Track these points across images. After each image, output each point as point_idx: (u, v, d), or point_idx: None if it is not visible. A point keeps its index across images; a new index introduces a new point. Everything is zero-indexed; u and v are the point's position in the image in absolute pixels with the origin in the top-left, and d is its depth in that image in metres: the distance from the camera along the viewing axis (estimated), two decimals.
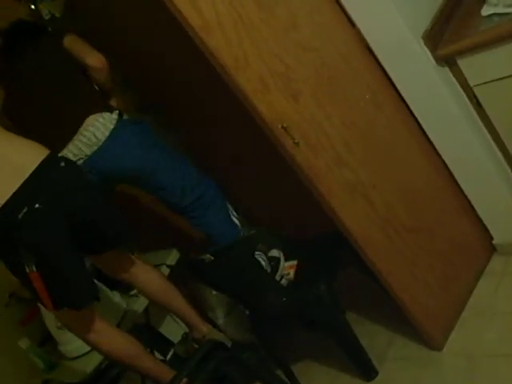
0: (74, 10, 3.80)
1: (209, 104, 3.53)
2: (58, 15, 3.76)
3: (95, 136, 3.28)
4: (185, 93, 3.68)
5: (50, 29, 3.72)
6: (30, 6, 3.75)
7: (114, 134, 3.31)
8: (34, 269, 2.75)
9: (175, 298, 3.22)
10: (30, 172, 2.72)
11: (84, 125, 3.29)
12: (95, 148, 3.28)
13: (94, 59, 3.41)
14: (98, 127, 3.30)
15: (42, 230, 2.73)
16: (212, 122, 3.76)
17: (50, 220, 2.73)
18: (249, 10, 2.79)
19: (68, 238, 2.78)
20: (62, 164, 2.83)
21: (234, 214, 3.64)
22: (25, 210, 2.67)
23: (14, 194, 2.68)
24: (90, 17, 3.79)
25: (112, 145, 3.31)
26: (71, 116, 3.31)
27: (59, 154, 3.17)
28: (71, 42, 3.39)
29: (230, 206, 3.66)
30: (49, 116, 3.25)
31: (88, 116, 3.30)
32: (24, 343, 3.48)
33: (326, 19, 3.05)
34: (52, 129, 3.23)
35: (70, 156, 3.27)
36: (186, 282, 3.83)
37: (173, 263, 3.69)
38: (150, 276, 3.17)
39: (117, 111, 3.43)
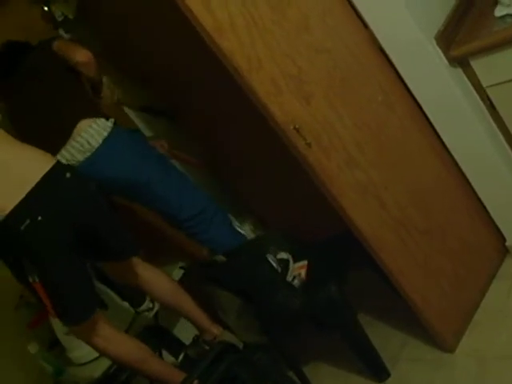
0: (86, 12, 3.80)
1: (221, 105, 3.53)
2: (70, 17, 3.77)
3: (88, 142, 3.28)
4: (197, 94, 3.68)
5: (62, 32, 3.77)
6: (42, 8, 3.76)
7: (107, 142, 3.30)
8: (37, 279, 2.80)
9: (185, 301, 3.23)
10: (35, 183, 2.74)
11: (76, 130, 3.28)
12: (88, 154, 3.27)
13: (81, 54, 3.40)
14: (92, 134, 3.29)
15: (43, 242, 2.74)
16: (225, 123, 3.76)
17: (52, 232, 2.74)
18: (261, 12, 2.79)
19: (70, 249, 2.80)
20: (68, 175, 2.84)
21: (237, 224, 3.65)
22: (27, 222, 2.69)
23: (18, 205, 2.70)
24: (101, 18, 3.81)
25: (105, 152, 3.30)
26: (65, 121, 3.31)
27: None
28: (58, 45, 3.41)
29: (232, 217, 3.67)
30: (46, 122, 3.26)
31: (80, 121, 3.30)
32: (33, 348, 3.49)
33: (338, 21, 3.05)
34: (49, 135, 3.23)
35: (63, 161, 3.20)
36: (199, 283, 3.83)
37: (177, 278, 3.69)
38: (159, 280, 3.19)
39: (112, 119, 3.41)
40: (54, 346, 3.46)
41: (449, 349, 3.25)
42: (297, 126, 2.81)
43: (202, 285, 3.86)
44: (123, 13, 3.60)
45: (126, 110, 4.03)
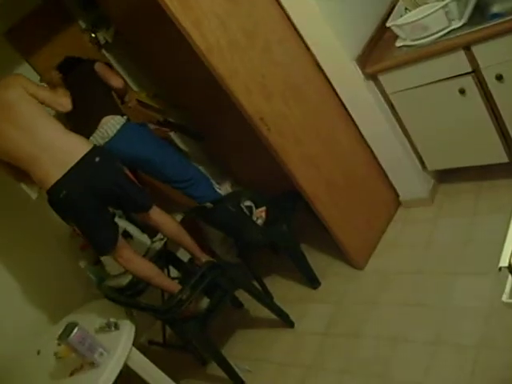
0: (122, 37, 3.75)
1: (213, 99, 3.49)
2: (110, 41, 3.71)
3: (107, 132, 3.22)
4: (200, 90, 3.59)
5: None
6: (90, 34, 3.70)
7: (120, 131, 3.24)
8: (73, 225, 2.93)
9: (184, 237, 3.18)
10: (71, 165, 2.74)
11: (101, 123, 3.24)
12: (107, 140, 3.21)
13: (117, 82, 3.40)
14: (110, 126, 3.23)
15: (74, 205, 2.78)
16: (215, 112, 3.68)
17: (80, 200, 2.76)
18: (238, 37, 2.80)
19: (96, 208, 2.82)
20: (97, 159, 2.80)
21: (217, 186, 3.61)
22: (64, 193, 2.73)
23: (59, 180, 2.73)
24: (133, 42, 3.76)
25: (118, 138, 3.23)
26: (94, 116, 3.26)
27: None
28: (98, 67, 3.35)
29: (213, 181, 3.61)
30: (83, 114, 3.17)
31: (104, 117, 3.27)
32: (82, 264, 3.49)
33: (290, 44, 3.02)
34: (84, 123, 3.17)
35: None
36: (194, 222, 3.86)
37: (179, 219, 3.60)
38: (167, 221, 3.14)
39: (125, 116, 3.36)
40: (97, 263, 3.45)
41: (360, 267, 3.27)
42: (261, 117, 2.83)
43: (196, 223, 3.90)
44: (149, 38, 3.54)
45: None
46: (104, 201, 2.86)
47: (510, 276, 1.47)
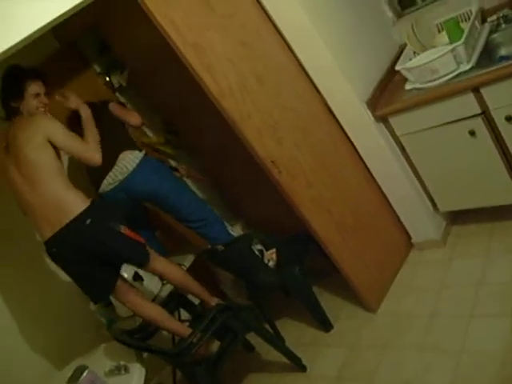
0: (135, 81, 3.83)
1: (224, 144, 3.55)
2: (124, 84, 3.77)
3: (126, 167, 3.25)
4: (211, 133, 3.63)
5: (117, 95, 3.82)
6: (105, 78, 3.77)
7: (139, 166, 3.26)
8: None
9: (191, 284, 3.14)
10: (65, 223, 2.73)
11: (119, 158, 3.26)
12: (126, 175, 3.24)
13: (135, 119, 3.48)
14: (128, 161, 3.26)
15: (63, 260, 2.83)
16: (226, 157, 3.74)
17: (70, 257, 2.78)
18: (250, 82, 2.85)
19: (86, 264, 2.79)
20: (88, 222, 2.75)
21: (230, 228, 3.60)
22: (54, 250, 2.79)
23: (52, 236, 2.76)
24: (146, 85, 3.85)
25: (137, 173, 3.25)
26: (113, 152, 3.26)
27: (100, 190, 3.29)
28: (113, 107, 3.41)
29: (226, 224, 3.61)
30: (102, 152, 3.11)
31: (122, 152, 3.30)
32: (93, 306, 3.46)
33: (300, 88, 3.07)
34: (103, 161, 3.19)
35: (110, 180, 3.27)
36: (206, 264, 3.86)
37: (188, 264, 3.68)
38: (171, 271, 3.10)
39: (143, 151, 3.39)
40: (107, 305, 3.43)
41: (373, 310, 3.25)
42: (272, 160, 2.85)
43: (208, 265, 3.88)
44: (165, 82, 3.60)
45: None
46: (95, 257, 2.81)
47: None
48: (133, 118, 3.50)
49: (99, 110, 3.35)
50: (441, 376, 2.60)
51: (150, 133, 4.00)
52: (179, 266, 3.31)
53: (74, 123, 3.15)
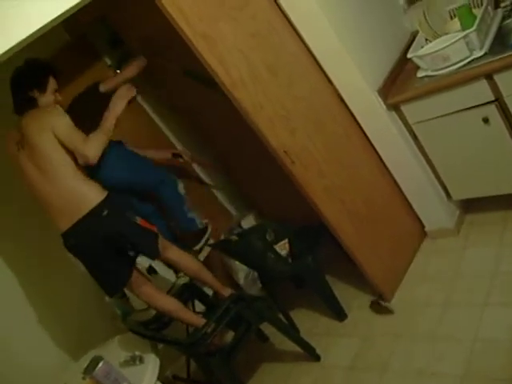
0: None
1: (236, 134, 3.56)
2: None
3: None
4: (224, 123, 3.62)
5: None
6: (115, 71, 3.74)
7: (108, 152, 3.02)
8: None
9: (205, 275, 3.18)
10: (82, 215, 2.77)
11: None
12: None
13: (132, 69, 3.39)
14: None
15: (81, 251, 2.87)
16: (238, 147, 3.76)
17: (86, 249, 2.83)
18: (261, 72, 2.85)
19: (101, 256, 2.83)
20: (105, 213, 2.78)
21: (187, 207, 3.55)
22: (72, 241, 2.82)
23: (69, 228, 2.79)
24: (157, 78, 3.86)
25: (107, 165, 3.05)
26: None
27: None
28: (104, 85, 3.33)
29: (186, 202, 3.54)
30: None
31: None
32: (108, 298, 3.40)
33: (312, 78, 3.07)
34: None
35: None
36: (221, 256, 3.87)
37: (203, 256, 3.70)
38: (185, 261, 3.15)
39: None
40: (122, 296, 3.44)
41: (387, 299, 3.24)
42: (285, 150, 2.86)
43: (223, 257, 3.92)
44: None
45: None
46: (112, 248, 2.84)
47: None
48: (128, 71, 3.40)
49: (86, 98, 3.30)
50: (454, 365, 2.61)
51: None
52: (193, 256, 3.33)
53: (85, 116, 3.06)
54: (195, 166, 4.10)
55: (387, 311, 3.17)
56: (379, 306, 3.23)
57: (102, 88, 3.35)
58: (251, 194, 4.18)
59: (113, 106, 3.05)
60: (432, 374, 2.66)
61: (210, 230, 3.61)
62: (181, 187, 3.54)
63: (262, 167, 3.55)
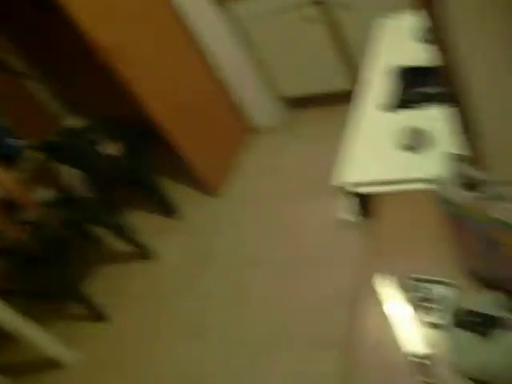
0: None
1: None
2: None
3: None
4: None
5: None
6: None
7: None
8: None
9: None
10: None
11: None
12: None
13: None
14: None
15: None
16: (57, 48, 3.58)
17: None
18: None
19: None
20: None
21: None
22: None
23: None
24: None
25: None
26: None
27: None
28: None
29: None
30: None
31: None
32: None
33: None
34: None
35: None
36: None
37: None
38: None
39: None
40: None
41: (215, 194, 3.37)
42: (110, 46, 2.70)
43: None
44: None
45: None
46: None
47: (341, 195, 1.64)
48: None
49: None
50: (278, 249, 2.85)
51: None
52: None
53: None
54: None
55: None
56: None
57: None
58: (77, 98, 4.00)
59: None
60: (259, 263, 2.88)
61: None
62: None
63: (84, 69, 3.43)
